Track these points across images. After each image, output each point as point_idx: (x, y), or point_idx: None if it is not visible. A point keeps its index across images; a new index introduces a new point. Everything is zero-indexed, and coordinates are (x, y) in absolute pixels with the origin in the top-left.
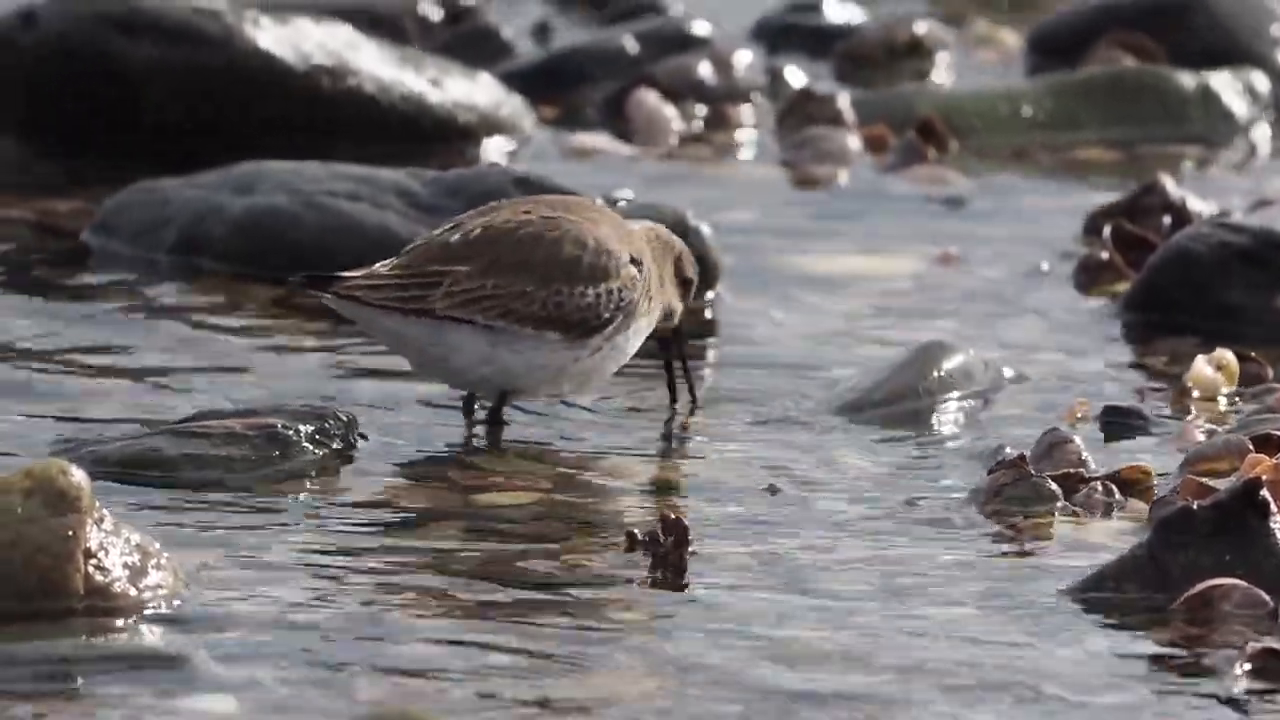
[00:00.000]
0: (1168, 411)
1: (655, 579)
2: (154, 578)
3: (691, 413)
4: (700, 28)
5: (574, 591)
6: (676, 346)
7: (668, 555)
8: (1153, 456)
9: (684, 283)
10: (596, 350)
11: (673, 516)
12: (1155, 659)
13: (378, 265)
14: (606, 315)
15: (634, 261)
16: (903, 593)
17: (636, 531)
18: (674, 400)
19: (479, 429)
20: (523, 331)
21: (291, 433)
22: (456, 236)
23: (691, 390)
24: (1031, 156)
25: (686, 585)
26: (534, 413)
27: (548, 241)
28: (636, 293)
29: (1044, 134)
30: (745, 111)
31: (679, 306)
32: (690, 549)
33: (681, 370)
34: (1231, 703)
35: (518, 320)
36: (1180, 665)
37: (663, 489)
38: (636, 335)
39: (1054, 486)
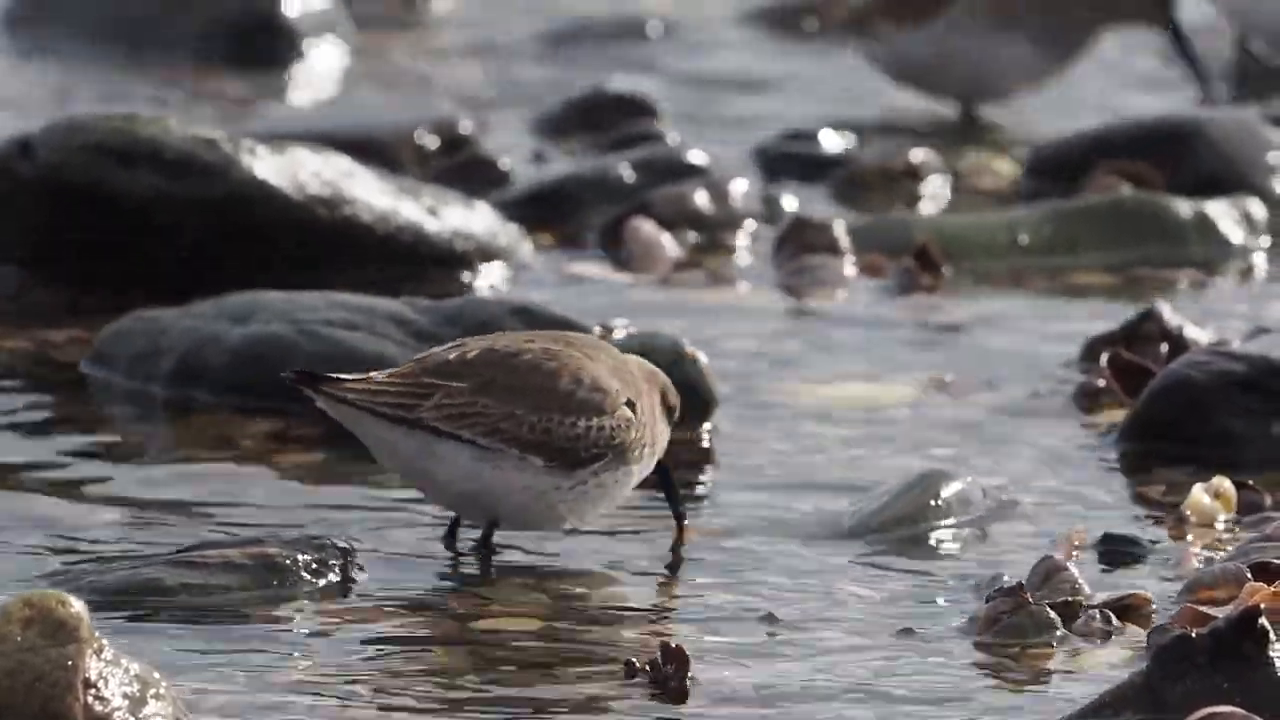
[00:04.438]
0: (1165, 539)
1: (656, 709)
2: (153, 708)
3: (679, 536)
4: (696, 156)
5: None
6: (665, 476)
7: (668, 683)
8: (1150, 584)
9: (668, 410)
10: (581, 484)
11: (673, 645)
12: None
13: (374, 373)
14: (595, 450)
15: (630, 404)
16: None
17: (636, 660)
18: (677, 524)
19: (469, 557)
20: (508, 452)
21: (289, 561)
22: (455, 354)
23: (677, 515)
24: (1028, 282)
25: (686, 715)
26: (527, 539)
27: (545, 370)
28: (631, 434)
29: (1041, 260)
30: (741, 238)
31: (665, 436)
32: (690, 677)
33: (669, 497)
34: None
35: (504, 440)
36: None
37: (661, 616)
38: (628, 477)
39: (1052, 615)
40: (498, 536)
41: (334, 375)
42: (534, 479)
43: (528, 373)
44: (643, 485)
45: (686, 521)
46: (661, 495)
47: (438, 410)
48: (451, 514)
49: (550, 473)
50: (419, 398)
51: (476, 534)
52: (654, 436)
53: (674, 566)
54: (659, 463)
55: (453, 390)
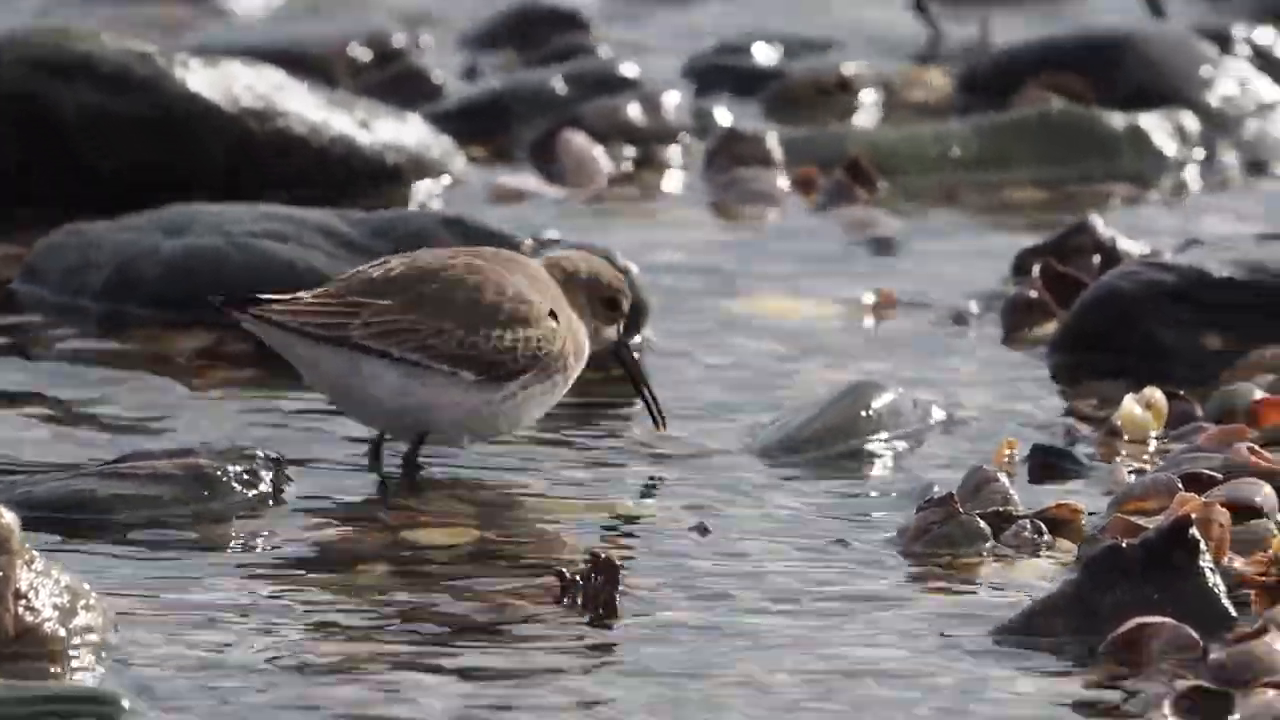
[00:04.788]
0: (1097, 451)
1: (585, 619)
2: (83, 619)
3: (655, 420)
4: (629, 69)
5: (504, 632)
6: (630, 367)
7: (598, 594)
8: (1082, 496)
9: (607, 303)
10: (510, 397)
11: (603, 555)
12: (1083, 699)
13: (302, 294)
14: (523, 362)
15: (552, 314)
16: (832, 635)
17: (566, 571)
18: (654, 422)
19: (397, 470)
20: (437, 368)
21: (220, 473)
22: (379, 273)
23: (651, 409)
24: (961, 198)
25: (616, 625)
26: (456, 452)
27: (469, 284)
28: (556, 344)
29: (973, 174)
30: (674, 152)
31: (609, 328)
32: (620, 588)
33: (640, 389)
34: None
35: (433, 356)
36: (1109, 705)
37: (591, 528)
38: (555, 387)
39: (983, 525)
40: (426, 449)
41: (261, 297)
42: (464, 394)
43: (453, 288)
44: (576, 394)
45: (659, 412)
46: (591, 400)
47: (366, 328)
48: (374, 433)
49: (481, 387)
50: (346, 316)
51: (403, 449)
52: (578, 344)
53: (606, 479)
54: (618, 345)
55: (379, 308)
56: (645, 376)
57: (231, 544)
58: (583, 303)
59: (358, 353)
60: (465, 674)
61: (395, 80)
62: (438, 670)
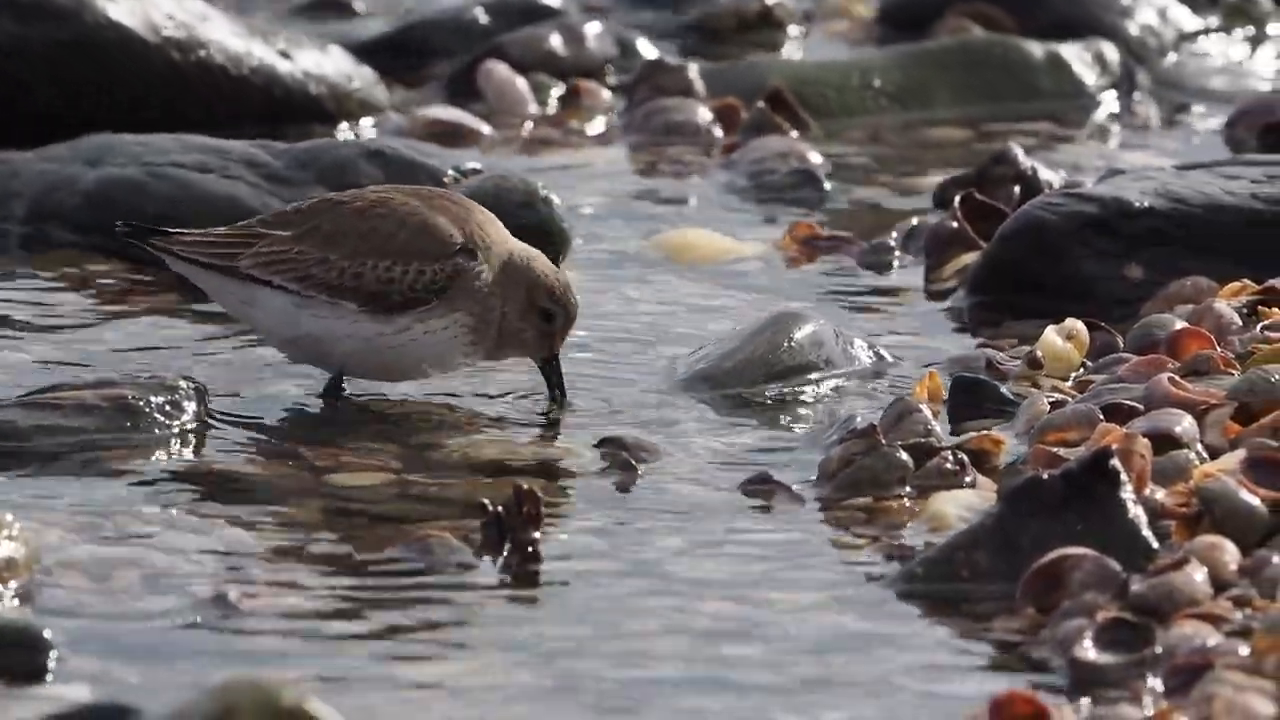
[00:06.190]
0: (1018, 382)
1: (507, 559)
2: (5, 549)
3: (560, 409)
4: None
5: (425, 573)
6: (552, 385)
7: (519, 529)
8: (1003, 427)
9: (543, 314)
10: (405, 330)
11: (525, 488)
12: (1005, 633)
13: (221, 228)
14: (413, 294)
15: (467, 250)
16: (752, 578)
17: (488, 503)
18: (551, 399)
19: (321, 404)
20: (318, 298)
21: (143, 404)
22: (295, 204)
23: (555, 395)
24: (881, 129)
25: (538, 566)
26: (382, 391)
27: (370, 215)
28: (462, 281)
29: (894, 105)
30: (596, 83)
31: (539, 345)
32: (541, 524)
33: (556, 384)
34: (1082, 674)
35: (313, 286)
36: (1030, 638)
37: (513, 466)
38: (463, 329)
39: (904, 456)
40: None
41: (168, 230)
42: (354, 326)
43: (351, 218)
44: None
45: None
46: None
47: (254, 258)
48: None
49: (372, 318)
50: (242, 247)
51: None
52: (503, 310)
53: (527, 417)
54: (546, 361)
55: (275, 239)
56: (564, 395)
57: (153, 477)
58: (519, 294)
59: (249, 283)
60: (385, 609)
61: (315, 7)
62: (358, 612)
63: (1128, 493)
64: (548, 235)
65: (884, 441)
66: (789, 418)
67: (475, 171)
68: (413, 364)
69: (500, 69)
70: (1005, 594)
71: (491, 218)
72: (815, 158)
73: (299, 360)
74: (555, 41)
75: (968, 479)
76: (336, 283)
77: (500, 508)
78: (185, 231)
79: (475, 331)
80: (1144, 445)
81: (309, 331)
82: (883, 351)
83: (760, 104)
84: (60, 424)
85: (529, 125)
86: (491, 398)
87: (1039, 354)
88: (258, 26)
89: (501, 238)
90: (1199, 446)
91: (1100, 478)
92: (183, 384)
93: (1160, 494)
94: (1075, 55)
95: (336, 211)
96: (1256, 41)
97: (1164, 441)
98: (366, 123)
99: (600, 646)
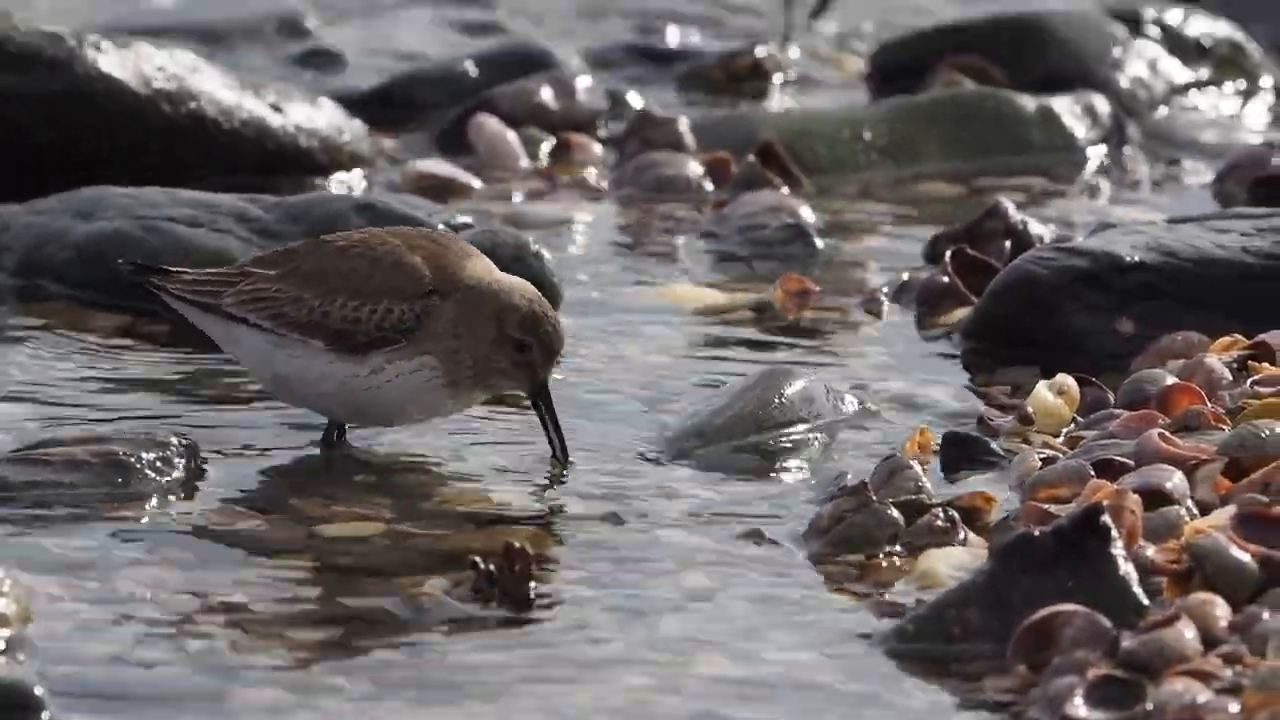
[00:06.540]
0: (1009, 438)
1: (498, 612)
2: None
3: (563, 468)
4: (541, 51)
5: (416, 625)
6: (541, 403)
7: (511, 586)
8: (994, 484)
9: (516, 345)
10: (379, 371)
11: (517, 545)
12: (996, 691)
13: (219, 268)
14: (379, 334)
15: (435, 292)
16: (743, 635)
17: (479, 560)
18: (552, 455)
19: (314, 456)
20: (290, 337)
21: (134, 460)
22: (288, 246)
23: (555, 446)
24: (875, 191)
25: (529, 618)
26: (378, 440)
27: (350, 255)
28: (433, 321)
29: (885, 159)
30: (586, 137)
31: (519, 376)
32: (533, 581)
33: (549, 426)
34: None
35: (285, 324)
36: (1021, 696)
37: (504, 518)
38: (433, 373)
39: (895, 514)
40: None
41: (170, 269)
42: (327, 366)
43: (333, 259)
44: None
45: (566, 459)
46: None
47: (236, 296)
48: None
49: (342, 360)
50: (227, 286)
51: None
52: (475, 345)
53: (519, 468)
54: (535, 388)
55: (258, 277)
56: (558, 427)
57: (143, 533)
58: (489, 326)
59: (229, 321)
60: (376, 662)
61: (306, 60)
62: (348, 666)
63: (1119, 549)
64: (539, 289)
65: (875, 498)
66: (780, 473)
67: (466, 226)
68: (392, 408)
69: (491, 122)
70: (996, 652)
71: (472, 252)
72: (806, 213)
73: (289, 402)
74: (546, 95)
75: (959, 536)
76: (306, 320)
77: (491, 564)
78: (184, 270)
79: (447, 372)
80: (1135, 501)
81: (285, 371)
82: (873, 405)
83: (751, 158)
84: (51, 479)
85: (518, 178)
86: (483, 447)
87: (1030, 410)
88: (249, 79)
89: (477, 271)
90: (1190, 502)
91: (1091, 534)
92: (174, 440)
93: (1151, 550)
94: (1066, 108)
95: (320, 251)
96: (1247, 94)
97: (1155, 497)
98: (357, 175)
99: (592, 703)
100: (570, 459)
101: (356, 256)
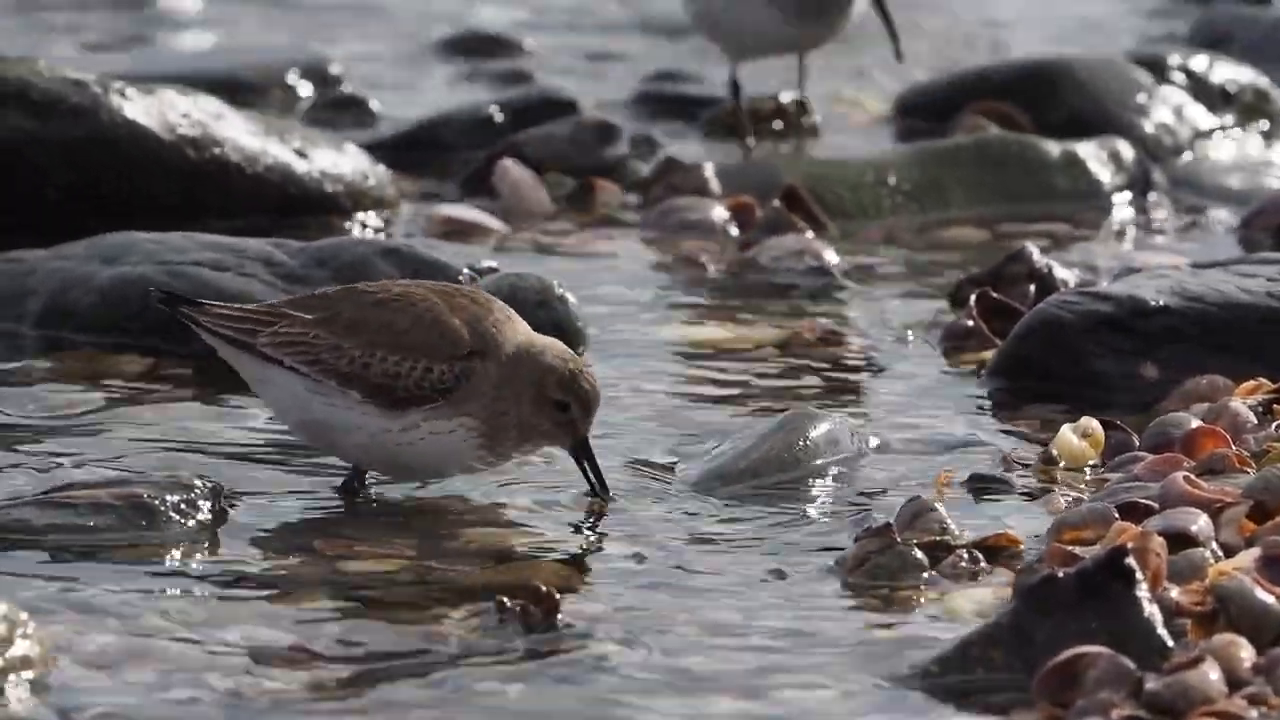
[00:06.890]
0: (1034, 480)
1: (524, 649)
2: (21, 648)
3: (604, 504)
4: (567, 96)
5: (441, 663)
6: (583, 455)
7: (537, 625)
8: (1019, 525)
9: (557, 405)
10: (414, 428)
11: (542, 587)
12: None
13: (252, 305)
14: (418, 391)
15: (478, 353)
16: (770, 670)
17: (505, 600)
18: (592, 492)
19: (337, 499)
20: (327, 384)
21: (158, 502)
22: (323, 290)
23: (594, 485)
24: (899, 235)
25: (554, 656)
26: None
27: (390, 308)
28: (473, 384)
29: (910, 203)
30: (610, 181)
31: (560, 434)
32: (558, 619)
33: (589, 471)
34: None
35: (323, 371)
36: None
37: (529, 557)
38: (469, 432)
39: (920, 555)
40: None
41: (202, 301)
42: (361, 417)
43: (370, 309)
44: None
45: (607, 493)
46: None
47: (272, 337)
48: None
49: (379, 412)
50: (264, 325)
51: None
52: (517, 408)
53: (542, 507)
54: (576, 444)
55: (296, 320)
56: (598, 470)
57: (168, 575)
58: (529, 390)
59: (264, 362)
60: (400, 700)
61: (332, 107)
62: (374, 705)
63: (1143, 591)
64: (563, 334)
65: (899, 540)
66: (804, 516)
67: (491, 270)
68: (425, 464)
69: (515, 167)
70: (1020, 691)
71: (510, 315)
72: (831, 256)
73: (314, 445)
74: (570, 139)
75: (983, 577)
76: (346, 370)
77: (517, 604)
78: (215, 304)
79: (485, 435)
80: (1159, 544)
81: (318, 418)
82: (898, 446)
83: (775, 202)
84: (74, 522)
85: (543, 222)
86: (505, 485)
87: (1054, 452)
88: (274, 124)
89: (516, 335)
90: (1214, 545)
91: (1116, 576)
92: (198, 483)
93: (1175, 592)
94: (1091, 154)
95: (359, 300)
96: (1272, 138)
97: (1179, 540)
98: (382, 220)
99: None
100: (610, 494)
101: (396, 310)
